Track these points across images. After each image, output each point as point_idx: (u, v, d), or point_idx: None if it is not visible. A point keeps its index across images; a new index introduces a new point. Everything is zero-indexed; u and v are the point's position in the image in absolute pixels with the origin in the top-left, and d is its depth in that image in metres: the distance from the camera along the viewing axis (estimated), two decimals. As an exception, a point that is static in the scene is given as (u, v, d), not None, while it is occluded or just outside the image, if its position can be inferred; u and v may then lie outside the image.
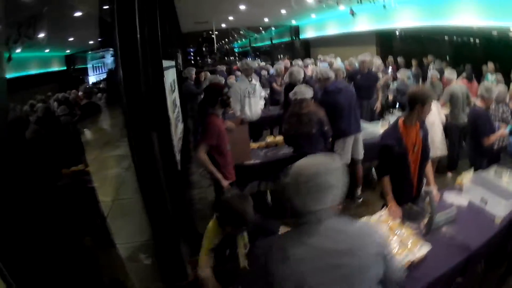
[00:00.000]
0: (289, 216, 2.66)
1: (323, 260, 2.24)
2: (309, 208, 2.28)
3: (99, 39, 4.99)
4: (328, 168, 2.32)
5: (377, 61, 13.28)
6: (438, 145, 7.94)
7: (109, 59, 5.54)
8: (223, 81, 10.56)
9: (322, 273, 2.22)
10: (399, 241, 4.00)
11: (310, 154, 6.04)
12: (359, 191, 8.08)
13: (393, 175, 4.96)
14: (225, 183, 5.61)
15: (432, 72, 12.01)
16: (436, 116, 7.87)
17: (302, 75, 9.18)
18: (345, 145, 7.58)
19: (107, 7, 3.91)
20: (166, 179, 4.29)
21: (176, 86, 8.52)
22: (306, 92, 6.71)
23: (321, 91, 7.83)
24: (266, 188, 7.97)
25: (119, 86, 3.86)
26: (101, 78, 5.68)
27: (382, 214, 4.65)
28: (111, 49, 5.30)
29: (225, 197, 3.98)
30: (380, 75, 12.19)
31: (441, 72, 11.66)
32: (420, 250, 3.84)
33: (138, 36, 3.61)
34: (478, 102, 7.14)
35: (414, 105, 4.68)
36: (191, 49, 30.19)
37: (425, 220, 4.45)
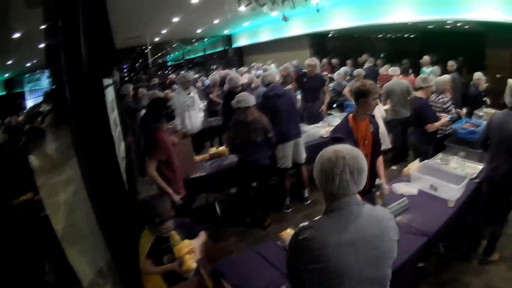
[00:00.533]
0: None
1: (361, 243, 2.37)
2: (352, 190, 2.41)
3: (36, 61, 4.86)
4: (360, 153, 2.48)
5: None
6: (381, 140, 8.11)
7: (45, 81, 5.40)
8: (160, 95, 10.48)
9: (360, 256, 2.36)
10: None
11: (255, 161, 6.01)
12: (306, 193, 8.23)
13: None
14: (176, 198, 5.60)
15: (356, 71, 12.20)
16: (376, 111, 7.95)
17: (241, 81, 9.28)
18: (285, 150, 7.64)
19: (47, 27, 3.82)
20: (115, 200, 4.21)
21: (115, 105, 8.38)
22: (249, 99, 6.75)
23: (262, 96, 7.86)
24: (215, 199, 8.14)
25: (61, 109, 3.76)
26: (39, 102, 5.53)
27: None
28: (46, 71, 5.17)
29: (141, 197, 4.08)
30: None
31: (375, 70, 11.93)
32: None
33: (83, 55, 3.52)
34: (417, 94, 7.53)
35: (359, 99, 4.84)
36: (125, 65, 29.85)
37: None
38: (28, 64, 4.89)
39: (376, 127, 5.16)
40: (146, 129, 6.79)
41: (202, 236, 4.36)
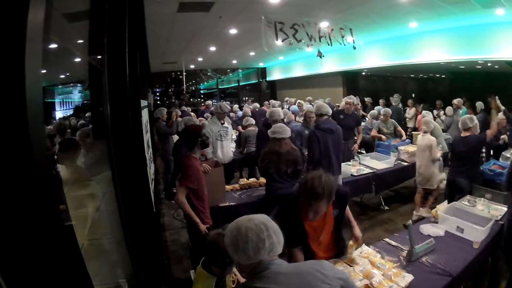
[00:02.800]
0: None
1: None
2: (276, 252, 2.52)
3: (70, 74, 4.95)
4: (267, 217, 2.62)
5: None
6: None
7: (76, 94, 5.48)
8: (196, 122, 10.59)
9: None
10: (382, 273, 4.11)
11: (281, 192, 5.95)
12: None
13: None
14: (202, 227, 5.54)
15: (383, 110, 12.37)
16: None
17: (282, 116, 9.36)
18: None
19: (89, 42, 3.91)
20: (144, 221, 4.25)
21: (149, 127, 8.49)
22: (286, 131, 6.83)
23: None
24: None
25: (96, 123, 3.82)
26: (69, 114, 5.62)
27: (363, 250, 4.76)
28: (80, 84, 5.26)
29: (210, 237, 3.93)
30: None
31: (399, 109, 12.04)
32: (404, 280, 3.95)
33: (127, 74, 3.61)
34: (464, 133, 7.62)
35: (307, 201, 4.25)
36: (158, 89, 30.16)
37: (405, 252, 4.68)
38: (62, 76, 4.97)
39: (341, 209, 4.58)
40: (179, 155, 6.85)
41: None
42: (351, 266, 4.39)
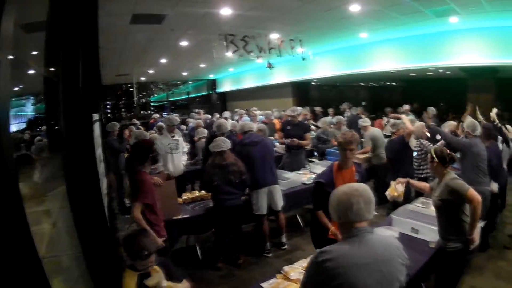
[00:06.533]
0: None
1: (372, 266, 2.73)
2: (366, 217, 2.88)
3: (23, 86, 4.85)
4: (367, 187, 3.01)
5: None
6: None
7: (30, 108, 5.37)
8: (148, 136, 10.51)
9: (371, 277, 2.70)
10: None
11: (230, 201, 6.04)
12: (284, 238, 8.25)
13: (328, 212, 5.09)
14: (159, 241, 5.47)
15: (337, 118, 12.65)
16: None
17: (229, 128, 9.46)
18: (259, 196, 7.71)
19: (44, 54, 3.85)
20: (98, 236, 4.18)
21: (101, 141, 8.37)
22: (226, 144, 7.09)
23: (238, 142, 8.10)
24: (195, 242, 8.05)
25: (51, 138, 3.77)
26: (22, 128, 5.49)
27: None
28: (32, 97, 5.15)
29: (128, 231, 3.99)
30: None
31: (357, 118, 12.20)
32: None
33: (80, 87, 3.55)
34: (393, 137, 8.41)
35: (343, 149, 5.13)
36: (109, 102, 29.86)
37: None
38: (16, 89, 4.86)
39: (362, 175, 5.41)
40: (131, 171, 6.81)
41: (186, 285, 4.33)
42: None
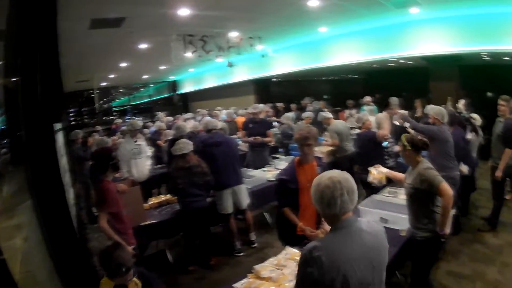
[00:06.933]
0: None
1: (363, 255, 2.77)
2: (350, 208, 2.83)
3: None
4: (349, 175, 2.91)
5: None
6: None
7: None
8: (109, 143, 10.38)
9: (362, 265, 2.74)
10: None
11: (197, 203, 5.99)
12: (253, 236, 8.25)
13: (293, 208, 5.20)
14: (128, 249, 5.42)
15: (305, 114, 12.75)
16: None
17: (188, 129, 9.53)
18: (223, 197, 7.72)
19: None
20: (68, 247, 4.13)
21: (64, 150, 8.24)
22: (187, 146, 7.06)
23: (201, 143, 8.00)
24: (165, 247, 7.98)
25: (14, 151, 3.72)
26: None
27: (287, 252, 4.75)
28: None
29: (104, 248, 3.90)
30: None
31: (318, 112, 12.25)
32: None
33: (39, 98, 3.49)
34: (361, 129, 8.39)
35: (301, 146, 5.14)
36: (72, 110, 29.47)
37: None
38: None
39: (324, 169, 5.30)
40: (94, 180, 6.72)
41: None
42: (278, 269, 4.38)
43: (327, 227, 4.81)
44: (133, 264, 4.01)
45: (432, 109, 7.33)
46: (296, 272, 2.91)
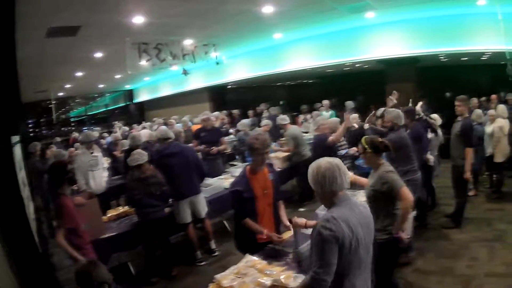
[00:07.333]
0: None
1: (362, 221, 3.32)
2: (346, 186, 3.34)
3: None
4: (340, 160, 3.45)
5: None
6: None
7: None
8: (66, 156, 10.28)
9: (364, 230, 3.29)
10: (272, 279, 4.07)
11: (154, 214, 5.98)
12: (213, 245, 8.27)
13: (252, 217, 5.14)
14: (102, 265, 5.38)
15: (263, 122, 12.71)
16: None
17: (143, 139, 9.60)
18: (181, 207, 7.70)
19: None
20: (30, 263, 4.10)
21: (23, 163, 8.11)
22: (142, 157, 7.03)
23: (157, 154, 7.97)
24: (127, 259, 7.91)
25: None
26: None
27: (247, 260, 4.72)
28: None
29: (80, 267, 3.83)
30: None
31: (275, 118, 12.29)
32: (295, 282, 3.96)
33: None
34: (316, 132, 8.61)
35: (253, 153, 5.09)
36: (30, 121, 28.98)
37: (292, 254, 4.67)
38: None
39: (276, 175, 5.46)
40: (52, 194, 6.63)
41: None
42: (239, 277, 4.33)
43: (287, 235, 4.91)
44: (113, 280, 3.90)
45: (389, 113, 7.36)
46: (313, 245, 3.23)
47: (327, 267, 3.12)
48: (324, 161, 3.40)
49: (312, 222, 4.72)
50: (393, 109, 7.63)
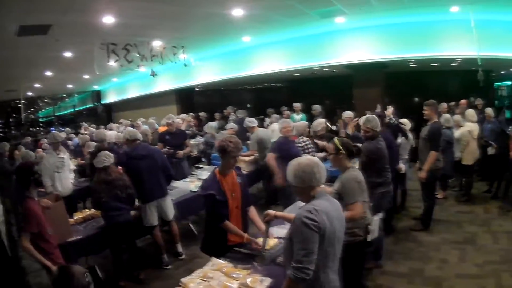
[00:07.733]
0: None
1: (336, 214, 3.55)
2: (321, 182, 3.56)
3: None
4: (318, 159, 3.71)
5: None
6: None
7: None
8: (33, 157, 10.21)
9: (338, 223, 3.52)
10: (239, 283, 4.11)
11: (121, 217, 6.26)
12: (179, 248, 8.25)
13: (223, 220, 5.18)
14: (54, 269, 5.30)
15: (229, 125, 12.71)
16: None
17: (108, 137, 9.89)
18: (148, 210, 7.68)
19: None
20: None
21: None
22: (108, 159, 6.93)
23: (125, 156, 7.93)
24: (95, 263, 7.82)
25: None
26: None
27: (213, 263, 4.72)
28: None
29: (55, 274, 3.77)
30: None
31: (242, 121, 12.32)
32: (262, 284, 4.04)
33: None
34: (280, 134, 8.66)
35: (225, 155, 5.13)
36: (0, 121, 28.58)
37: (258, 257, 4.76)
38: None
39: (244, 179, 5.54)
40: (19, 196, 6.64)
41: None
42: (206, 280, 4.32)
43: (260, 242, 4.98)
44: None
45: (368, 122, 6.94)
46: (295, 235, 3.38)
47: (311, 255, 3.27)
48: (303, 159, 3.66)
49: (282, 213, 4.93)
50: (373, 116, 7.32)
